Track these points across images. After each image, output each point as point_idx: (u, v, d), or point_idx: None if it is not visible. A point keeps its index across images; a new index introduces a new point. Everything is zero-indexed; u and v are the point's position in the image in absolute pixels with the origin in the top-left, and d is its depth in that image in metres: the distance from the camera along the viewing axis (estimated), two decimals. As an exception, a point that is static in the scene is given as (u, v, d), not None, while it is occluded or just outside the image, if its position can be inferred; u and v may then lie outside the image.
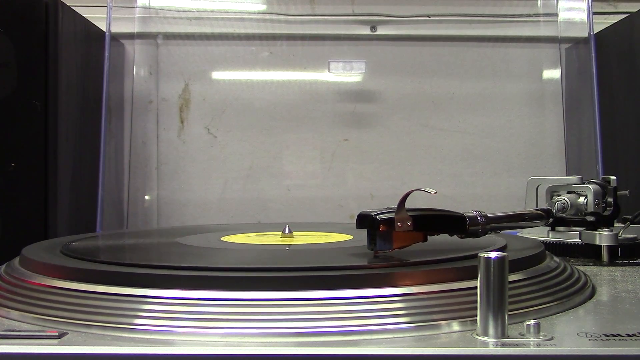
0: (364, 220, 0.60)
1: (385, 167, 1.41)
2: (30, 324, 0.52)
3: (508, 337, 0.46)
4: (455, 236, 0.65)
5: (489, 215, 0.66)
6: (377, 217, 0.59)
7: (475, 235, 0.65)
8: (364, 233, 0.62)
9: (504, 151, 1.42)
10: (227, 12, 1.41)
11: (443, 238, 0.66)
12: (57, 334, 0.47)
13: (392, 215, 0.59)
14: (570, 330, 0.49)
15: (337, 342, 0.46)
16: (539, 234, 0.88)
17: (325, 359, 0.44)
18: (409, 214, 0.60)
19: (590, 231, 0.82)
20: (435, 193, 0.61)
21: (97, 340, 0.47)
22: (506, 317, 0.46)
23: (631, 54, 1.23)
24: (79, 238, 0.79)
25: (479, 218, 0.65)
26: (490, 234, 0.67)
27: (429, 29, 1.42)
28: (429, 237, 0.63)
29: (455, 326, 0.49)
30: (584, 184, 0.86)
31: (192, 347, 0.45)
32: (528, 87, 1.43)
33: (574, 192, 0.86)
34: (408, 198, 0.60)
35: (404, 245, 0.61)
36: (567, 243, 0.84)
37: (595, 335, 0.47)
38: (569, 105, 1.41)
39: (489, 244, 0.68)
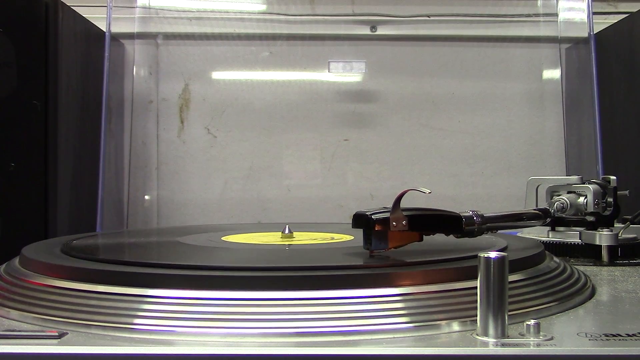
0: (360, 220, 0.60)
1: (385, 167, 1.41)
2: (30, 324, 0.52)
3: (508, 337, 0.46)
4: (452, 236, 0.65)
5: (485, 215, 0.66)
6: (373, 216, 0.59)
7: (472, 235, 0.65)
8: (364, 233, 0.62)
9: (504, 151, 1.42)
10: (227, 12, 1.41)
11: (444, 238, 0.66)
12: (57, 334, 0.47)
13: (387, 215, 0.59)
14: (570, 330, 0.49)
15: (337, 342, 0.46)
16: (539, 234, 0.88)
17: (325, 359, 0.44)
18: (405, 213, 0.60)
19: (590, 231, 0.82)
20: (429, 193, 0.61)
21: (97, 340, 0.47)
22: (506, 317, 0.46)
23: (631, 54, 1.23)
24: (78, 237, 0.79)
25: (475, 218, 0.65)
26: (487, 233, 0.67)
27: (429, 29, 1.42)
28: (429, 237, 0.63)
29: (455, 326, 0.49)
30: (584, 184, 0.86)
31: (192, 347, 0.45)
32: (528, 87, 1.43)
33: (574, 192, 0.86)
34: (408, 198, 0.60)
35: (399, 244, 0.61)
36: (567, 243, 0.84)
37: (595, 335, 0.47)
38: (569, 105, 1.41)
39: (489, 244, 0.68)
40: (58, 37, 1.08)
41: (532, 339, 0.46)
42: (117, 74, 1.38)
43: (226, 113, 1.41)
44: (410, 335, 0.48)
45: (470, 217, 0.65)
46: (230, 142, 1.40)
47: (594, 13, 1.35)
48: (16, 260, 0.64)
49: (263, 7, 1.42)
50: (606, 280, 0.70)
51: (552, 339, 0.46)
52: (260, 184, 1.40)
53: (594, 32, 1.33)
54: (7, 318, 0.53)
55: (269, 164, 1.40)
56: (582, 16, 1.37)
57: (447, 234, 0.65)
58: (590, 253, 0.81)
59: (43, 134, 1.05)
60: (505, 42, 1.42)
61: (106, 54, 1.28)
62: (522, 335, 0.47)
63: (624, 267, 0.77)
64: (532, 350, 0.44)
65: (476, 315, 0.47)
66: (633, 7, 1.33)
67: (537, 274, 0.59)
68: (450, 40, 1.42)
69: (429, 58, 1.42)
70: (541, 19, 1.42)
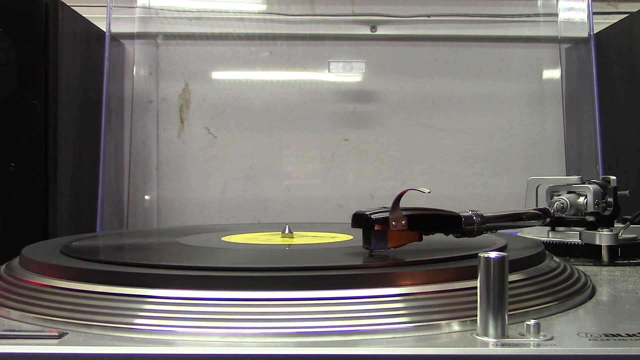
0: (359, 220, 0.60)
1: (385, 167, 1.41)
2: (30, 324, 0.52)
3: (508, 337, 0.46)
4: (452, 236, 0.65)
5: (484, 214, 0.66)
6: (372, 216, 0.59)
7: (471, 234, 0.65)
8: (364, 233, 0.62)
9: (504, 151, 1.42)
10: (227, 12, 1.41)
11: (443, 238, 0.66)
12: (57, 334, 0.47)
13: (386, 214, 0.59)
14: (570, 330, 0.49)
15: (337, 342, 0.46)
16: (539, 233, 0.88)
17: (325, 359, 0.44)
18: (404, 213, 0.60)
19: (590, 231, 0.82)
20: (429, 192, 0.61)
21: (97, 340, 0.47)
22: (506, 317, 0.46)
23: (631, 54, 1.23)
24: (79, 238, 0.79)
25: (474, 217, 0.65)
26: (486, 233, 0.67)
27: (429, 29, 1.42)
28: (429, 237, 0.63)
29: (455, 326, 0.49)
30: (584, 184, 0.86)
31: (192, 347, 0.45)
32: (528, 87, 1.43)
33: (574, 192, 0.86)
34: (408, 197, 0.60)
35: (398, 244, 0.61)
36: (567, 243, 0.84)
37: (595, 335, 0.47)
38: (569, 105, 1.41)
39: (489, 244, 0.68)
40: (58, 37, 1.08)
41: (532, 339, 0.46)
42: (117, 74, 1.38)
43: (226, 113, 1.41)
44: (410, 335, 0.48)
45: (470, 217, 0.65)
46: (230, 142, 1.40)
47: (594, 13, 1.35)
48: (16, 261, 0.64)
49: (263, 7, 1.42)
50: (606, 280, 0.70)
51: (552, 339, 0.46)
52: (260, 184, 1.40)
53: (594, 32, 1.33)
54: (7, 318, 0.53)
55: (269, 164, 1.40)
56: (582, 16, 1.37)
57: (447, 234, 0.65)
58: (590, 253, 0.81)
59: (43, 134, 1.05)
60: (505, 42, 1.42)
61: (106, 54, 1.28)
62: (522, 335, 0.47)
63: (624, 267, 0.77)
64: (532, 350, 0.44)
65: (476, 315, 0.47)
66: (633, 7, 1.33)
67: (537, 274, 0.59)
68: (450, 40, 1.42)
69: (429, 58, 1.42)
70: (541, 19, 1.42)
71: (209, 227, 0.93)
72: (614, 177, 0.86)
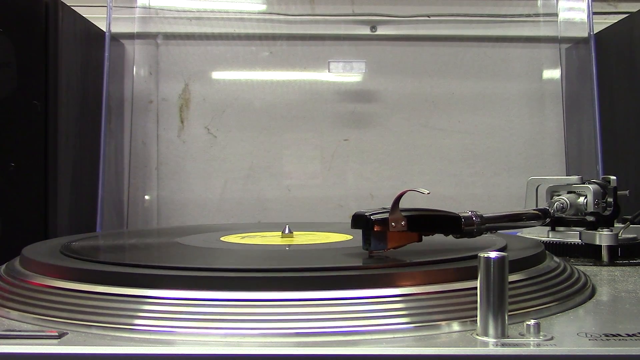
0: (359, 221, 0.60)
1: (385, 167, 1.41)
2: (30, 324, 0.52)
3: (508, 337, 0.46)
4: (452, 236, 0.65)
5: (484, 215, 0.66)
6: (372, 217, 0.59)
7: (471, 235, 0.65)
8: (364, 233, 0.62)
9: (504, 151, 1.42)
10: (227, 12, 1.41)
11: (443, 239, 0.66)
12: (57, 334, 0.47)
13: (386, 215, 0.59)
14: (570, 330, 0.50)
15: (337, 342, 0.46)
16: (539, 234, 0.88)
17: (325, 359, 0.44)
18: (404, 214, 0.60)
19: (590, 231, 0.82)
20: (428, 193, 0.61)
21: (97, 340, 0.47)
22: (506, 317, 0.46)
23: (631, 54, 1.23)
24: (78, 238, 0.79)
25: (474, 218, 0.65)
26: (486, 234, 0.67)
27: (429, 29, 1.42)
28: (428, 237, 0.63)
29: (455, 326, 0.49)
30: (584, 184, 0.86)
31: (192, 347, 0.45)
32: (528, 87, 1.43)
33: (574, 192, 0.86)
34: (408, 198, 0.60)
35: (398, 245, 0.61)
36: (567, 243, 0.84)
37: (595, 335, 0.47)
38: (569, 105, 1.41)
39: (489, 244, 0.68)
40: (58, 37, 1.08)
41: (532, 339, 0.46)
42: (117, 74, 1.38)
43: (226, 113, 1.41)
44: (410, 335, 0.48)
45: (469, 218, 0.65)
46: (230, 142, 1.40)
47: (594, 13, 1.35)
48: (16, 261, 0.64)
49: (263, 7, 1.42)
50: (606, 280, 0.70)
51: (552, 339, 0.46)
52: (260, 184, 1.40)
53: (594, 32, 1.33)
54: (7, 318, 0.53)
55: (269, 164, 1.40)
56: (582, 16, 1.38)
57: (446, 235, 0.65)
58: (590, 253, 0.81)
59: (43, 134, 1.05)
60: (505, 42, 1.42)
61: (106, 54, 1.28)
62: (522, 335, 0.47)
63: (624, 267, 0.77)
64: (532, 350, 0.44)
65: (476, 315, 0.47)
66: (633, 7, 1.33)
67: (537, 274, 0.59)
68: (450, 40, 1.42)
69: (429, 58, 1.42)
70: (541, 19, 1.42)
71: (208, 227, 0.93)
72: (614, 177, 0.86)
